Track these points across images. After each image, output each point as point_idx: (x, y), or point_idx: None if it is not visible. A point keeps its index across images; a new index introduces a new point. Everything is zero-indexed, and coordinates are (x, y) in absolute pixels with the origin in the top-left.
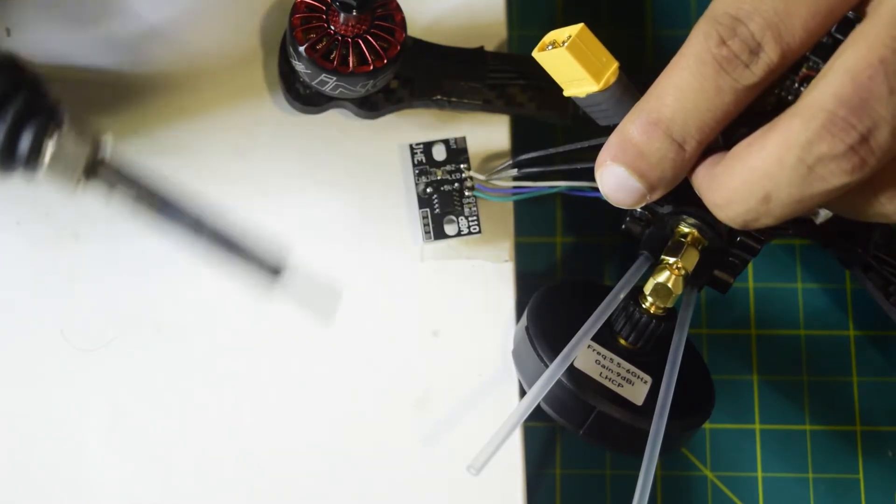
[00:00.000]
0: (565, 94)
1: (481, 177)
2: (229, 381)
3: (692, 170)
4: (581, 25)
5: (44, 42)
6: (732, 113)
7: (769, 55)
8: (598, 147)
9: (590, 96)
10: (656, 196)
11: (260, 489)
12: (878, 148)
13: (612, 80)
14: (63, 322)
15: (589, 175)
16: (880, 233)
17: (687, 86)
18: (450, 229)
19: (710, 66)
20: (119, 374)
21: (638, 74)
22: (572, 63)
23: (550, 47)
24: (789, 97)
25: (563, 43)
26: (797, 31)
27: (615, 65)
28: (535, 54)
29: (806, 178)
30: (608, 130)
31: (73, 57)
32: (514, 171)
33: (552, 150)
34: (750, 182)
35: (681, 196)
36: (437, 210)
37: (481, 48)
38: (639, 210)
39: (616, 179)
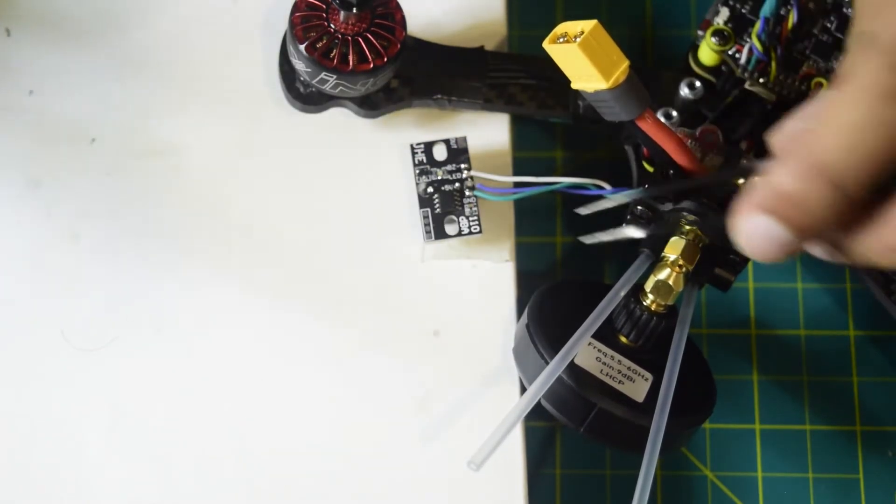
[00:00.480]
0: (573, 86)
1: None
2: (229, 381)
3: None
4: (594, 22)
5: (44, 42)
6: None
7: None
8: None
9: (598, 92)
10: (802, 247)
11: (260, 489)
12: None
13: (622, 78)
14: (63, 322)
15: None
16: None
17: (854, 122)
18: (450, 229)
19: (882, 99)
20: (119, 374)
21: (638, 74)
22: (583, 60)
23: (562, 39)
24: (791, 95)
25: (576, 38)
26: None
27: (625, 63)
28: (546, 45)
29: None
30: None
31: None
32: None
33: (679, 184)
34: None
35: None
36: (438, 210)
37: (481, 48)
38: (639, 208)
39: (763, 231)
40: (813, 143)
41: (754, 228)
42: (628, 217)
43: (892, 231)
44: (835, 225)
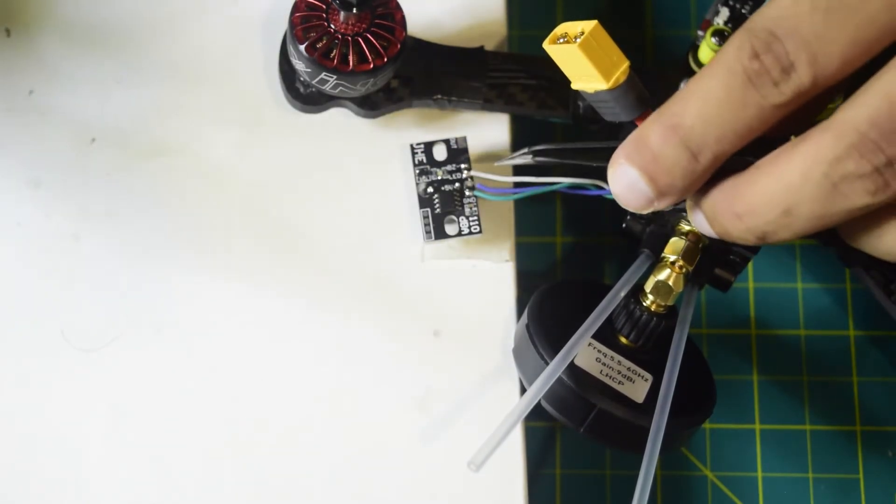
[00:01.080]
0: (573, 86)
1: (485, 175)
2: (229, 381)
3: (707, 184)
4: (595, 23)
5: (44, 42)
6: (754, 130)
7: (801, 77)
8: (614, 148)
9: (598, 93)
10: (663, 204)
11: (260, 489)
12: None
13: (622, 79)
14: (63, 322)
15: (600, 174)
16: None
17: (712, 95)
18: (450, 229)
19: (738, 77)
20: (119, 374)
21: (638, 74)
22: (583, 60)
23: (562, 40)
24: None
25: (576, 38)
26: (834, 57)
27: (626, 64)
28: (546, 45)
29: (829, 195)
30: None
31: (73, 57)
32: (529, 159)
33: (570, 145)
34: (772, 193)
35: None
36: (438, 210)
37: (481, 48)
38: None
39: (627, 180)
40: (677, 104)
41: (621, 177)
42: (628, 217)
43: (738, 197)
44: (688, 188)
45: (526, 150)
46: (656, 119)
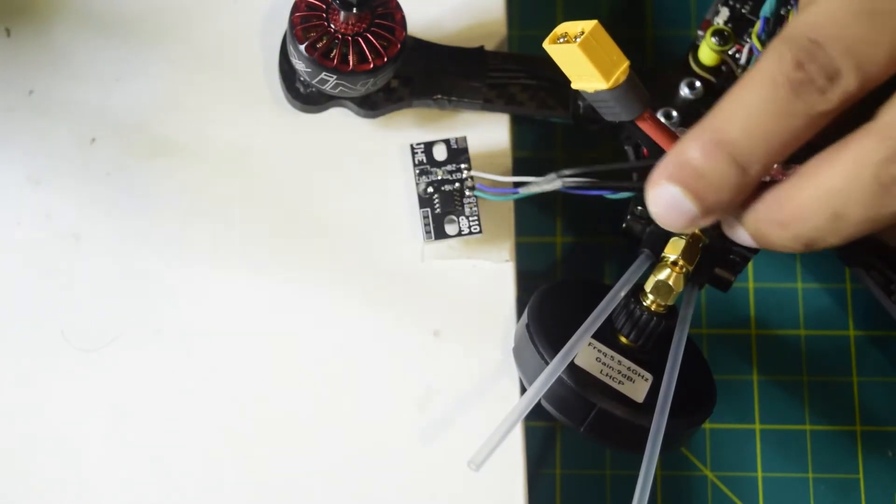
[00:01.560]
0: (573, 86)
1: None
2: (229, 381)
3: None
4: (595, 23)
5: (44, 42)
6: (802, 139)
7: (847, 83)
8: (642, 167)
9: (598, 93)
10: (708, 221)
11: (260, 489)
12: None
13: (622, 79)
14: (63, 322)
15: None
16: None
17: (756, 107)
18: (450, 229)
19: (783, 88)
20: (119, 374)
21: (638, 74)
22: (583, 60)
23: (562, 40)
24: None
25: (576, 38)
26: (880, 60)
27: (626, 64)
28: (546, 45)
29: (879, 197)
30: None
31: (73, 57)
32: (557, 184)
33: (597, 168)
34: (819, 199)
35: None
36: (438, 210)
37: (481, 48)
38: (639, 208)
39: (669, 200)
40: (718, 119)
41: (662, 197)
42: (628, 217)
43: (783, 204)
44: (735, 203)
45: (553, 175)
46: (698, 136)
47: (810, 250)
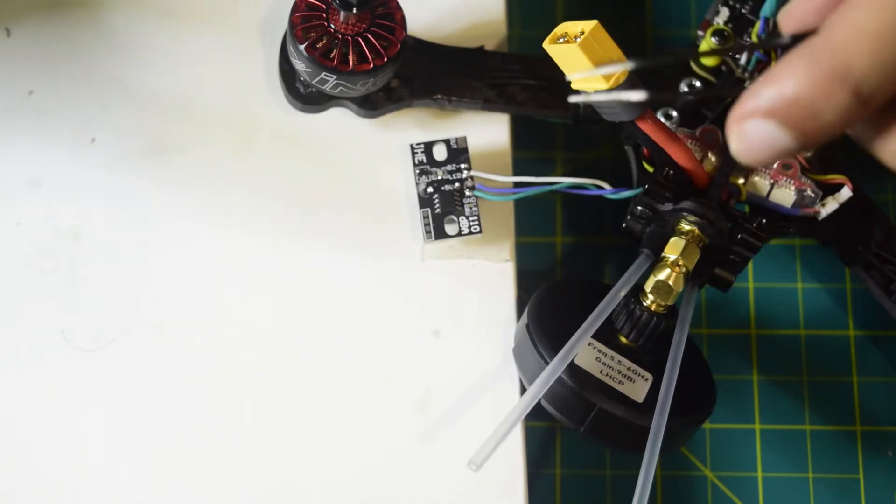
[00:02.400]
0: (573, 87)
1: (485, 175)
2: (230, 381)
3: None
4: (595, 23)
5: (44, 42)
6: None
7: None
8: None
9: (598, 93)
10: (804, 152)
11: (260, 489)
12: None
13: (622, 79)
14: (63, 322)
15: None
16: (881, 231)
17: (879, 31)
18: (450, 229)
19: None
20: (120, 374)
21: (638, 74)
22: (583, 60)
23: (562, 40)
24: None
25: (576, 38)
26: None
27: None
28: (546, 45)
29: None
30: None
31: (72, 57)
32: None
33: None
34: None
35: (681, 193)
36: (438, 210)
37: (481, 48)
38: (639, 208)
39: (763, 137)
40: (834, 48)
41: (753, 132)
42: (629, 216)
43: None
44: (842, 130)
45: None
46: (808, 66)
47: None
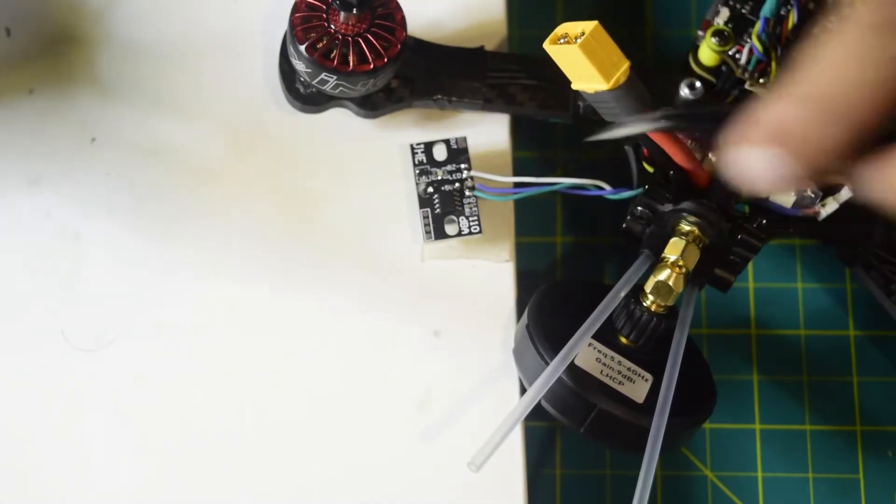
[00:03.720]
0: (573, 87)
1: (485, 176)
2: (230, 381)
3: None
4: (595, 23)
5: (44, 42)
6: None
7: None
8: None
9: (598, 93)
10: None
11: (260, 488)
12: None
13: (623, 79)
14: (63, 322)
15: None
16: (881, 231)
17: (856, 57)
18: (450, 229)
19: (886, 31)
20: (120, 374)
21: (638, 75)
22: (583, 61)
23: (562, 40)
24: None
25: (576, 39)
26: None
27: (626, 64)
28: (546, 46)
29: None
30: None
31: (73, 57)
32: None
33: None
34: None
35: (681, 193)
36: (438, 210)
37: (481, 48)
38: (639, 209)
39: (764, 163)
40: (814, 75)
41: (756, 161)
42: (629, 217)
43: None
44: (839, 159)
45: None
46: (789, 93)
47: None
